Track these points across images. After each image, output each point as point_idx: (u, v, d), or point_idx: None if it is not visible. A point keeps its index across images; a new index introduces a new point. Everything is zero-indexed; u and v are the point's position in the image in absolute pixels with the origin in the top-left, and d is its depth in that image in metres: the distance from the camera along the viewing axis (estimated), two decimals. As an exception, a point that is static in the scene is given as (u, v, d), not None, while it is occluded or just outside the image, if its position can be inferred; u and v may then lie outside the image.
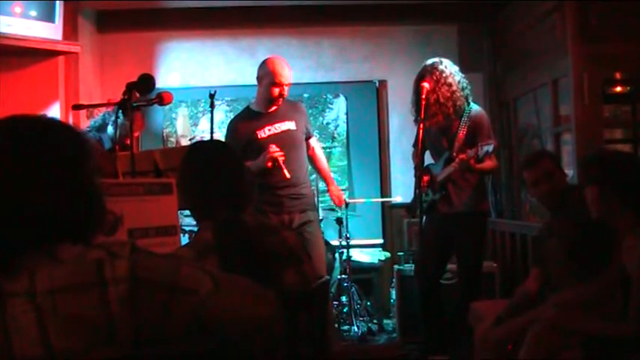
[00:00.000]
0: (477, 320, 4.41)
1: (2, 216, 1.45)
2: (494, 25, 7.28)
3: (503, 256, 6.55)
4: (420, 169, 4.98)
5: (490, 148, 4.64)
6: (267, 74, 4.98)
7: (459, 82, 4.97)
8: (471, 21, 7.42)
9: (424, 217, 4.99)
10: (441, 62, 5.01)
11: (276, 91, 4.96)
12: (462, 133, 4.94)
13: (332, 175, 5.59)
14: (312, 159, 5.37)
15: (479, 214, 5.05)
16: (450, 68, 4.99)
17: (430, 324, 5.15)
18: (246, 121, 5.12)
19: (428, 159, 5.18)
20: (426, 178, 5.02)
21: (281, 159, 4.84)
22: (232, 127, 5.21)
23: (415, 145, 5.26)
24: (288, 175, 4.84)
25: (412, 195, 5.32)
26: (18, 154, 1.49)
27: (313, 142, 5.40)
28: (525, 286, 4.10)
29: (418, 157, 5.02)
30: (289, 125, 5.05)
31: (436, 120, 4.96)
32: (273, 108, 5.04)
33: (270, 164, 4.83)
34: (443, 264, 5.21)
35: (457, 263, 5.18)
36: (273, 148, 4.86)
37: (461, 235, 5.01)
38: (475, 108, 5.04)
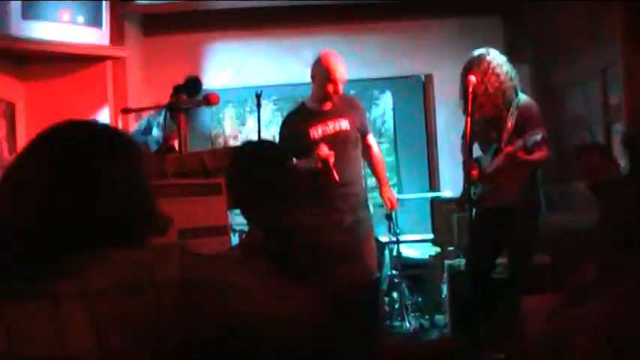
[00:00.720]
0: (530, 315, 4.36)
1: (57, 218, 1.47)
2: (540, 16, 7.18)
3: (555, 249, 6.47)
4: (468, 163, 4.93)
5: (538, 137, 4.56)
6: (320, 71, 4.95)
7: (507, 72, 4.88)
8: (515, 12, 7.34)
9: (474, 211, 4.94)
10: (488, 53, 4.93)
11: (331, 87, 4.93)
12: (510, 124, 4.86)
13: (386, 177, 5.48)
14: (369, 158, 5.33)
15: (529, 207, 4.97)
16: (497, 59, 4.90)
17: (482, 319, 5.10)
18: (300, 118, 5.11)
19: (477, 151, 5.13)
20: (474, 171, 4.96)
21: (331, 160, 4.83)
22: (286, 124, 5.22)
23: (464, 137, 5.21)
24: (337, 177, 4.82)
25: (461, 189, 5.26)
26: (73, 158, 1.52)
27: (370, 139, 5.33)
28: (578, 279, 4.05)
29: (466, 151, 4.98)
30: (343, 124, 5.02)
31: (485, 111, 4.88)
32: (328, 105, 5.02)
33: (320, 165, 4.83)
34: (494, 258, 5.14)
35: (507, 257, 5.12)
36: (324, 149, 4.84)
37: (511, 229, 4.94)
38: (524, 98, 4.96)
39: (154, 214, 1.61)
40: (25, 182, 1.49)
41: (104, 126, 1.67)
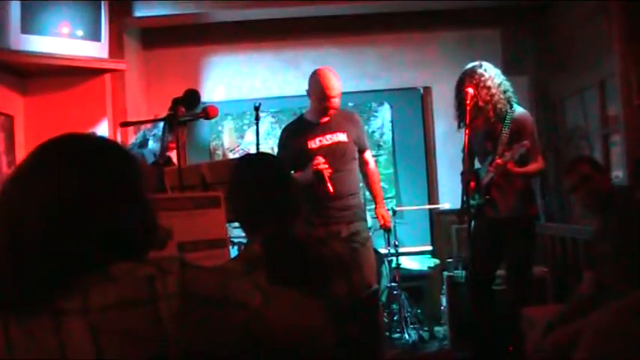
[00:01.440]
0: (530, 327, 4.36)
1: (58, 235, 1.47)
2: (538, 28, 7.21)
3: (554, 260, 6.47)
4: (467, 174, 4.95)
5: (523, 150, 4.63)
6: (315, 87, 5.00)
7: (499, 84, 4.92)
8: (513, 24, 7.37)
9: (472, 223, 4.96)
10: (480, 66, 4.99)
11: (326, 104, 4.98)
12: (505, 136, 4.89)
13: (382, 194, 5.52)
14: (365, 175, 5.36)
15: (526, 218, 4.98)
16: (489, 71, 4.96)
17: (482, 330, 5.10)
18: (298, 130, 5.15)
19: (477, 163, 5.16)
20: (472, 182, 4.99)
21: (327, 172, 4.85)
22: (284, 136, 5.27)
23: (463, 149, 5.25)
24: (331, 189, 4.84)
25: (460, 201, 5.27)
26: (72, 173, 1.52)
27: (367, 156, 5.37)
28: (578, 290, 4.05)
29: (465, 163, 5.00)
30: (340, 137, 5.05)
31: (477, 124, 4.93)
32: (326, 119, 5.05)
33: (315, 176, 4.85)
34: (493, 269, 5.15)
35: (505, 269, 5.13)
36: (319, 160, 4.87)
37: (508, 240, 4.95)
38: (519, 110, 4.98)
39: (154, 228, 1.62)
40: (27, 199, 1.49)
41: (103, 140, 1.68)
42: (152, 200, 1.64)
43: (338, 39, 7.49)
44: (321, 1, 6.64)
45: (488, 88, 4.90)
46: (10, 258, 1.47)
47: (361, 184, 5.37)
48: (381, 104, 7.53)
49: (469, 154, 5.01)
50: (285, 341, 1.65)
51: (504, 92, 4.92)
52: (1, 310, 1.48)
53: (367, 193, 5.62)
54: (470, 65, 5.03)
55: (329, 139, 5.02)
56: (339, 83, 5.01)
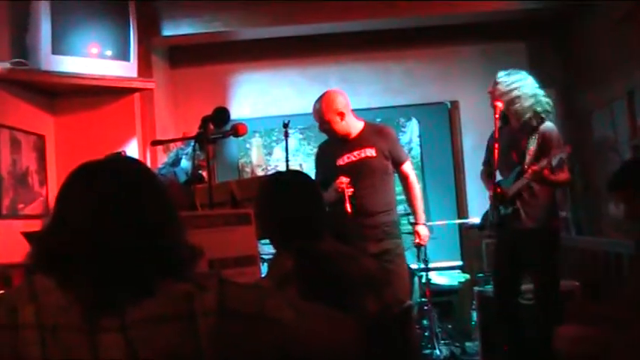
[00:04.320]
0: (564, 344, 4.31)
1: (101, 256, 1.48)
2: (564, 39, 7.18)
3: (585, 274, 6.40)
4: (492, 185, 4.93)
5: (564, 155, 4.60)
6: None
7: (522, 95, 4.89)
8: (539, 36, 7.35)
9: (496, 235, 4.94)
10: (509, 74, 5.00)
11: (322, 128, 5.11)
12: (532, 146, 4.86)
13: (421, 209, 5.29)
14: (403, 189, 5.27)
15: (549, 230, 4.94)
16: (512, 80, 4.95)
17: (510, 346, 5.05)
18: (329, 147, 5.17)
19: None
20: (499, 189, 4.97)
21: (347, 192, 4.83)
22: (318, 153, 5.36)
23: (485, 163, 5.24)
24: (349, 210, 4.81)
25: (484, 214, 5.25)
26: (116, 196, 1.54)
27: (406, 168, 5.20)
28: (609, 308, 3.99)
29: (492, 175, 4.97)
30: (368, 152, 4.99)
31: (499, 133, 4.94)
32: (354, 134, 5.05)
33: (338, 196, 4.84)
34: (517, 282, 5.07)
35: (532, 283, 5.06)
36: (341, 180, 4.85)
37: (531, 253, 4.90)
38: (545, 123, 4.94)
39: (188, 246, 1.63)
40: (71, 219, 1.51)
41: (135, 160, 1.71)
42: (184, 218, 1.66)
43: (364, 55, 7.51)
44: (347, 17, 6.65)
45: (510, 96, 4.90)
46: (57, 273, 1.50)
47: (394, 200, 5.19)
48: (408, 119, 7.52)
49: (495, 167, 4.97)
50: (317, 357, 1.66)
51: (532, 101, 4.88)
52: (40, 329, 1.50)
53: (402, 207, 5.57)
54: (498, 73, 5.04)
55: (356, 155, 4.99)
56: (319, 105, 5.05)
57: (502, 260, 5.00)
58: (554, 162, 4.62)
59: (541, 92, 4.96)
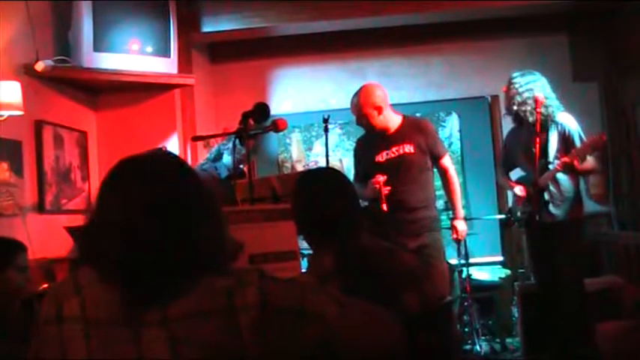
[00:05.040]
0: (607, 342, 4.26)
1: (141, 251, 1.49)
2: (607, 33, 7.09)
3: (629, 270, 6.32)
4: (535, 183, 4.91)
5: (595, 145, 4.68)
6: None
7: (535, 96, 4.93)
8: (581, 30, 7.25)
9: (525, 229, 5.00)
10: (523, 74, 5.07)
11: (361, 123, 5.05)
12: (553, 139, 4.92)
13: (459, 204, 5.22)
14: (443, 183, 5.19)
15: (572, 222, 4.96)
16: (526, 81, 5.00)
17: (552, 340, 5.02)
18: (368, 142, 5.14)
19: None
20: (525, 189, 5.07)
21: (384, 190, 4.81)
22: (357, 148, 5.32)
23: (503, 164, 5.43)
24: (385, 209, 4.78)
25: (513, 210, 5.32)
26: (156, 191, 1.55)
27: (445, 162, 5.12)
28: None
29: (537, 172, 4.94)
30: (407, 148, 4.94)
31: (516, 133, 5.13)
32: (393, 129, 5.02)
33: (373, 193, 4.83)
34: (552, 275, 5.06)
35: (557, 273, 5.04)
36: (378, 179, 4.83)
37: (556, 244, 4.92)
38: (563, 115, 4.98)
39: (229, 241, 1.64)
40: (111, 215, 1.53)
41: (179, 158, 1.72)
42: (226, 213, 1.67)
43: (403, 49, 7.48)
44: (386, 12, 6.63)
45: (520, 96, 4.98)
46: (99, 267, 1.52)
47: (433, 196, 5.15)
48: (449, 114, 7.48)
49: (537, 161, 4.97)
50: (359, 352, 1.65)
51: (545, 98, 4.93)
52: (84, 321, 1.52)
53: (441, 202, 5.56)
54: (513, 74, 5.13)
55: (395, 151, 4.95)
56: (357, 99, 5.00)
57: (534, 255, 5.02)
58: (590, 151, 4.71)
59: (553, 95, 5.02)
